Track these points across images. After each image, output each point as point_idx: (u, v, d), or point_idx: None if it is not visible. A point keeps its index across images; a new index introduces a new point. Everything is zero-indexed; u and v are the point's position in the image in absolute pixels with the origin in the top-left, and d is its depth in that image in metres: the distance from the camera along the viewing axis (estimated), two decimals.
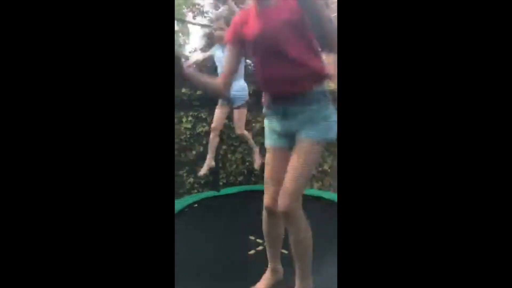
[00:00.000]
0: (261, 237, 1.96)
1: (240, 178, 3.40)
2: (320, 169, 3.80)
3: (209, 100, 3.12)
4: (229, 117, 3.28)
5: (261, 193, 3.07)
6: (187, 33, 7.27)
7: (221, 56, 1.80)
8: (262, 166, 1.52)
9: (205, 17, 3.87)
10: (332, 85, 3.57)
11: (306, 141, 0.91)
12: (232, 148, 3.35)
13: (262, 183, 3.52)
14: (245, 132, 1.83)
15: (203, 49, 4.07)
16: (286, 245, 1.87)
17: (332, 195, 2.80)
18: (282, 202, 0.91)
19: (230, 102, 1.79)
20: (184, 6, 4.18)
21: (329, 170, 3.87)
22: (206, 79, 0.99)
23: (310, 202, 2.72)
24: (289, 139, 0.95)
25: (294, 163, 0.89)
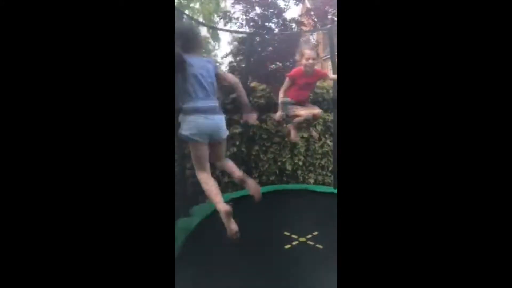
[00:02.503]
0: (296, 233, 2.03)
1: (272, 178, 3.49)
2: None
3: (239, 105, 3.25)
4: (260, 119, 3.39)
5: (292, 192, 3.11)
6: (217, 39, 7.56)
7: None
8: None
9: (235, 23, 4.04)
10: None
11: None
12: (264, 148, 3.45)
13: (294, 182, 3.54)
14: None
15: (234, 54, 4.23)
16: (320, 241, 1.92)
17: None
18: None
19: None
20: (215, 14, 4.39)
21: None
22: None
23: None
24: None
25: None
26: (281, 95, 2.07)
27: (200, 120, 1.45)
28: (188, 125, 1.45)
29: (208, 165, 1.55)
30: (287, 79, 2.04)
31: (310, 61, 1.89)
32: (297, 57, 1.98)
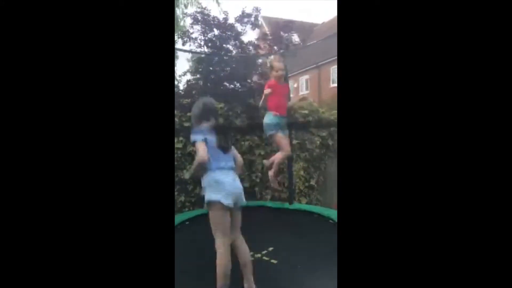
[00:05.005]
0: (253, 250, 2.06)
1: None
2: (307, 184, 3.95)
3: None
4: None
5: (250, 209, 3.16)
6: (175, 57, 7.55)
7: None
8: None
9: (194, 43, 4.11)
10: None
11: None
12: None
13: (252, 199, 3.61)
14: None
15: (192, 73, 4.27)
16: (274, 256, 1.97)
17: (320, 209, 2.94)
18: None
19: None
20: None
21: (315, 186, 4.03)
22: None
23: (300, 217, 2.85)
24: None
25: None
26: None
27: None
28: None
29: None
30: (266, 88, 2.16)
31: (280, 72, 2.16)
32: (267, 68, 2.22)
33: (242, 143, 3.55)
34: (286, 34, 4.56)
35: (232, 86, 4.03)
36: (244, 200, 1.61)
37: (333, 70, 12.19)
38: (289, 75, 3.34)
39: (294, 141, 3.82)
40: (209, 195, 1.47)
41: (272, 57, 2.31)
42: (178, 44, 4.12)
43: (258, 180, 3.63)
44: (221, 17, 4.14)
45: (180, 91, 3.93)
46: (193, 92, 3.77)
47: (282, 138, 2.22)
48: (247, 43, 4.23)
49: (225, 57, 4.04)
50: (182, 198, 3.26)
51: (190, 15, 4.18)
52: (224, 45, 4.12)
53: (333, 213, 2.70)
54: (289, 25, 4.59)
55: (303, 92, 14.39)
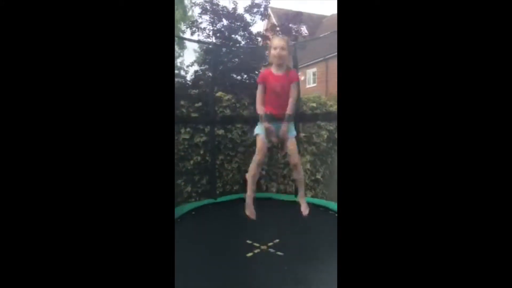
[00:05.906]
0: (259, 242, 2.08)
1: (236, 187, 3.52)
2: (313, 178, 3.94)
3: (206, 113, 3.27)
4: (225, 129, 3.43)
5: (256, 201, 3.18)
6: (183, 47, 7.52)
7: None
8: None
9: (202, 33, 4.07)
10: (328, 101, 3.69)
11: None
12: (228, 157, 3.48)
13: (257, 191, 3.63)
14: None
15: (200, 63, 4.24)
16: (280, 248, 1.99)
17: (325, 203, 2.94)
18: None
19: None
20: (182, 23, 4.38)
21: (321, 179, 4.02)
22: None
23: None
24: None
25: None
26: (258, 108, 1.75)
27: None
28: None
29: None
30: (258, 87, 1.74)
31: (278, 50, 1.62)
32: (267, 49, 1.74)
33: (250, 135, 3.54)
34: (295, 26, 4.49)
35: (239, 77, 4.00)
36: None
37: None
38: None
39: (302, 134, 3.80)
40: None
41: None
42: (187, 34, 4.09)
43: (264, 172, 3.63)
44: (230, 7, 4.08)
45: (188, 82, 3.91)
46: (201, 82, 3.75)
47: (259, 140, 1.74)
48: (255, 34, 4.18)
49: (233, 48, 4.00)
50: (189, 189, 3.28)
51: (199, 5, 4.13)
52: (232, 36, 4.07)
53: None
54: (297, 17, 4.51)
55: (311, 85, 14.25)
